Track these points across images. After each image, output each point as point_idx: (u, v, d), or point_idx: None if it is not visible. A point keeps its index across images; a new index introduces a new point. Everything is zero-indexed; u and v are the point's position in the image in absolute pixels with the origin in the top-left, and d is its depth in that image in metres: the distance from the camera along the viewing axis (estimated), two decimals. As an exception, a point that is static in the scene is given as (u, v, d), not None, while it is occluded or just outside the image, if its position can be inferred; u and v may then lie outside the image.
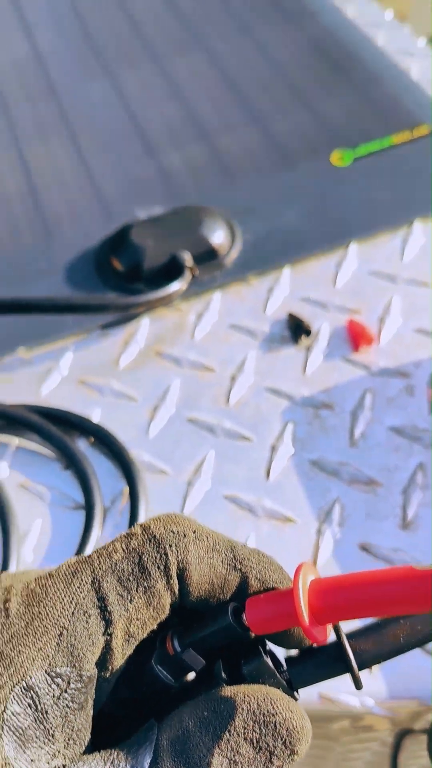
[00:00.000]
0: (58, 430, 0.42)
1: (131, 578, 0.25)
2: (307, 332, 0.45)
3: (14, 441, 0.43)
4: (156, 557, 0.25)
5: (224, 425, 0.42)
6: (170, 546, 0.25)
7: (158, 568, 0.25)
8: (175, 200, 0.54)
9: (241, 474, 0.40)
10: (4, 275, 0.51)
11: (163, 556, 0.25)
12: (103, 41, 0.69)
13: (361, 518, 0.38)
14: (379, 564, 0.37)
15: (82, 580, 0.24)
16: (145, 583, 0.25)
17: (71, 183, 0.56)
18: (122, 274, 0.49)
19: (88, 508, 0.39)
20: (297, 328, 0.45)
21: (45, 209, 0.55)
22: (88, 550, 0.37)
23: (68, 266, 0.51)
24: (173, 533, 0.26)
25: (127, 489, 0.40)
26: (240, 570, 0.26)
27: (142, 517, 0.38)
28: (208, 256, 0.49)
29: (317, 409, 0.43)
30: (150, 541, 0.25)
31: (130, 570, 0.25)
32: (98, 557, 0.26)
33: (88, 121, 0.62)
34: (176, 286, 0.47)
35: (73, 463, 0.41)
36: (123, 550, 0.25)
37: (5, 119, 0.63)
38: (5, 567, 0.37)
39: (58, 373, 0.46)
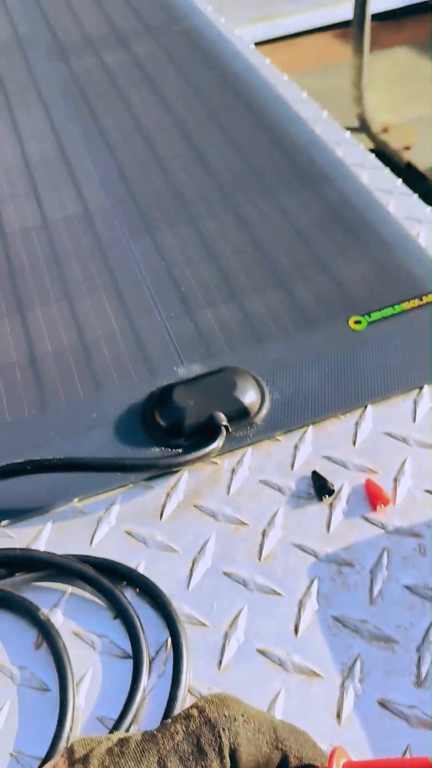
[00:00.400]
0: (108, 581, 0.47)
1: (191, 758, 0.30)
2: (330, 492, 0.51)
3: (68, 589, 0.48)
4: (211, 740, 0.30)
5: (257, 580, 0.47)
6: (223, 729, 0.31)
7: (213, 749, 0.30)
8: (210, 357, 0.61)
9: (272, 628, 0.45)
10: (59, 427, 0.57)
11: (218, 739, 0.30)
12: (145, 201, 0.78)
13: (380, 675, 0.43)
14: (397, 721, 0.41)
15: (149, 759, 0.30)
16: (203, 763, 0.30)
17: (119, 338, 0.64)
18: (164, 429, 0.55)
19: (136, 659, 0.44)
20: (321, 488, 0.51)
21: (95, 363, 0.62)
22: (136, 700, 0.42)
23: (117, 419, 0.57)
24: (225, 717, 0.31)
25: (170, 641, 0.45)
26: (281, 749, 0.31)
27: (185, 669, 0.43)
28: (241, 414, 0.55)
29: (339, 566, 0.48)
30: (206, 724, 0.31)
31: (190, 751, 0.30)
32: (162, 738, 0.31)
33: (131, 277, 0.70)
34: (214, 445, 0.53)
35: (121, 614, 0.46)
36: (183, 731, 0.31)
37: (58, 274, 0.71)
38: (63, 713, 0.42)
39: (107, 523, 0.51)
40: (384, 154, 1.68)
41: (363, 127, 1.76)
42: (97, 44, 1.10)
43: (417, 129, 1.68)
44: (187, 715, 0.33)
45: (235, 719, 0.32)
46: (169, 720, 0.33)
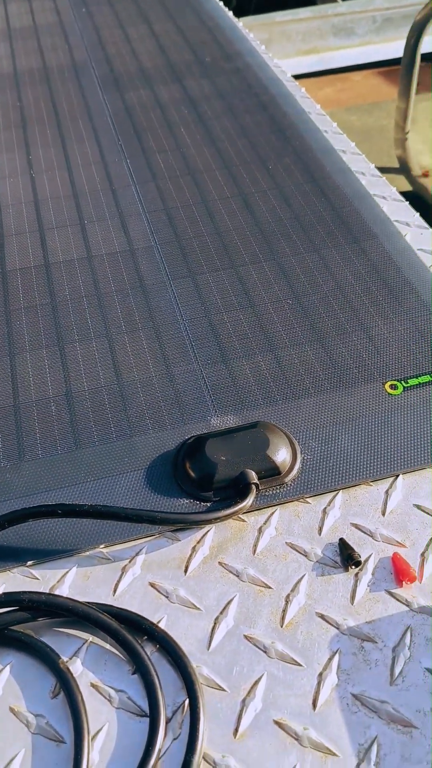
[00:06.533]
0: (130, 635, 0.47)
1: None
2: (357, 563, 0.51)
3: (89, 638, 0.48)
4: None
5: (277, 647, 0.47)
6: None
7: None
8: (244, 409, 0.61)
9: (290, 700, 0.45)
10: (91, 468, 0.58)
11: None
12: (189, 243, 0.79)
13: (396, 760, 0.42)
14: (410, 811, 0.41)
15: None
16: None
17: (154, 381, 0.64)
18: (194, 481, 0.56)
19: (153, 720, 0.44)
20: (348, 558, 0.51)
21: (129, 405, 0.62)
22: (151, 762, 0.42)
23: (148, 465, 0.58)
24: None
25: (187, 702, 0.45)
26: None
27: (201, 736, 0.43)
28: (271, 473, 0.56)
29: (362, 641, 0.48)
30: None
31: None
32: None
33: (170, 319, 0.70)
34: (244, 504, 0.53)
35: (141, 671, 0.46)
36: None
37: (99, 309, 0.72)
38: (77, 767, 0.42)
39: (131, 572, 0.52)
40: (422, 199, 1.68)
41: (403, 169, 1.77)
42: (151, 76, 1.11)
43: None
44: None
45: None
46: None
